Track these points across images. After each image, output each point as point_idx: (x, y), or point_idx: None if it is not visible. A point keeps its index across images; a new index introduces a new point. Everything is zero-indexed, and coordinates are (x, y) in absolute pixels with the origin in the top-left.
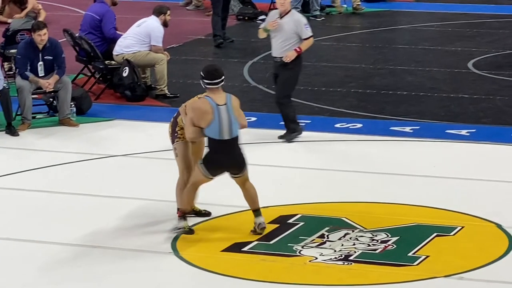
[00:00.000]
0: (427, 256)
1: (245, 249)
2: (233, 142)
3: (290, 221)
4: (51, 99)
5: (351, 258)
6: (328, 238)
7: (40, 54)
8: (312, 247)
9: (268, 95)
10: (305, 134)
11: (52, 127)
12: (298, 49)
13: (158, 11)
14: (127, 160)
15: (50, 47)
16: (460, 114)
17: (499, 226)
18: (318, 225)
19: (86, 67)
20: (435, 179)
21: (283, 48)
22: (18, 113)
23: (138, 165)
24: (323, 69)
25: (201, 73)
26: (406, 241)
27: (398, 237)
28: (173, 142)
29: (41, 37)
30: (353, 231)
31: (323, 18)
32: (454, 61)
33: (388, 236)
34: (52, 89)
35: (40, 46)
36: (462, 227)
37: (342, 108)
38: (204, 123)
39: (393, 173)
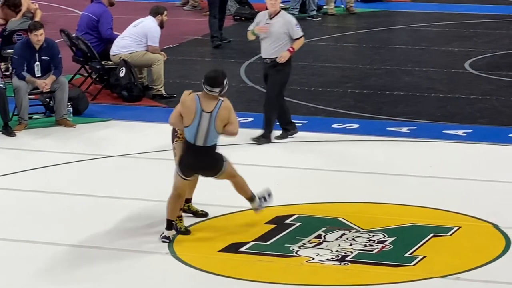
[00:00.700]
0: (424, 257)
1: (241, 249)
2: (206, 150)
3: (287, 221)
4: (47, 100)
5: (348, 258)
6: (325, 238)
7: (37, 55)
8: (309, 247)
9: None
10: (302, 135)
11: (49, 127)
12: (291, 49)
13: (155, 12)
14: (124, 161)
15: (47, 47)
16: (456, 115)
17: (496, 226)
18: (315, 225)
19: (83, 67)
20: (432, 179)
21: (273, 49)
22: (15, 113)
23: (135, 166)
24: (319, 69)
25: (204, 75)
26: (403, 242)
27: (395, 238)
28: (173, 141)
29: (38, 38)
30: (350, 231)
31: (319, 18)
32: (451, 61)
33: (385, 236)
34: (49, 90)
35: (37, 47)
36: (459, 227)
37: (339, 109)
38: (186, 122)
39: (389, 174)
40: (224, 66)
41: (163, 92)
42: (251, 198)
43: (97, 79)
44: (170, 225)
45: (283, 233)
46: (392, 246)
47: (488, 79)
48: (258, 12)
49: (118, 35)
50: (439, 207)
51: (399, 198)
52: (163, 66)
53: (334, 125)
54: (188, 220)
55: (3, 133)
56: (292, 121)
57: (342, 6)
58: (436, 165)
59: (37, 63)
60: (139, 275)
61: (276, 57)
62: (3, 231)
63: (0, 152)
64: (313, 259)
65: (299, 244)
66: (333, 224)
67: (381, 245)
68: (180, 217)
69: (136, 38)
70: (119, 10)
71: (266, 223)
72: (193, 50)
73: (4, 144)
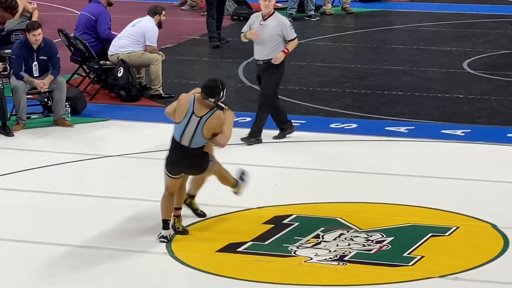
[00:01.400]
0: (422, 257)
1: (240, 249)
2: (190, 151)
3: (285, 221)
4: (45, 99)
5: (346, 258)
6: (323, 238)
7: (35, 54)
8: (307, 247)
9: None
10: (300, 134)
11: (47, 127)
12: (286, 50)
13: (153, 11)
14: (122, 161)
15: (45, 47)
16: (455, 114)
17: (494, 226)
18: (313, 225)
19: (81, 67)
20: (430, 179)
21: (267, 50)
22: (13, 113)
23: (133, 165)
24: (318, 69)
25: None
26: (401, 242)
27: (393, 238)
28: None
29: (36, 37)
30: (348, 231)
31: (318, 18)
32: (449, 61)
33: (383, 236)
34: (47, 89)
35: (35, 46)
36: (457, 227)
37: (337, 108)
38: (177, 119)
39: (388, 173)
40: (222, 66)
41: (161, 92)
42: (234, 185)
43: (95, 79)
44: (166, 224)
45: (281, 233)
46: (390, 246)
47: (487, 79)
48: (257, 12)
49: (116, 35)
50: (437, 207)
51: (397, 198)
52: (161, 66)
53: (333, 125)
54: (186, 220)
55: (1, 133)
56: (289, 120)
57: (340, 5)
58: (434, 165)
59: (35, 63)
60: (137, 275)
61: (270, 59)
62: (0, 230)
63: None
64: (311, 259)
65: (297, 244)
66: (331, 224)
67: (379, 245)
68: (179, 216)
69: (134, 38)
70: (117, 10)
71: (264, 223)
72: (191, 50)
73: (2, 144)
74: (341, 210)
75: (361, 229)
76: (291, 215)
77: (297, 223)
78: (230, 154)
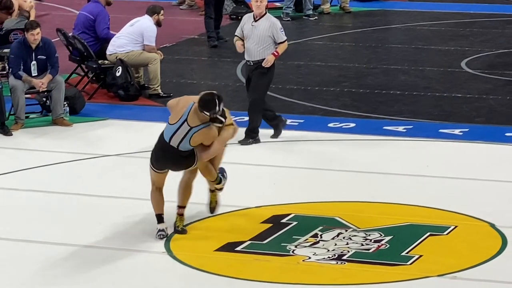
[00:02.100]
0: (420, 256)
1: (238, 248)
2: (178, 152)
3: (283, 220)
4: (44, 99)
5: (344, 257)
6: (321, 237)
7: (33, 54)
8: (306, 246)
9: None
10: (298, 134)
11: (45, 126)
12: (276, 53)
13: (151, 11)
14: (121, 160)
15: (43, 46)
16: (453, 114)
17: (492, 225)
18: (312, 224)
19: (79, 66)
20: (428, 179)
21: (257, 51)
22: (12, 112)
23: (131, 165)
24: (316, 68)
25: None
26: (399, 241)
27: (391, 237)
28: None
29: (34, 37)
30: (346, 230)
31: (316, 17)
32: (447, 61)
33: (381, 235)
34: (45, 89)
35: (33, 46)
36: (456, 226)
37: (335, 108)
38: (170, 120)
39: (386, 173)
40: (221, 66)
41: (160, 91)
42: (218, 180)
43: (94, 78)
44: (160, 218)
45: (280, 232)
46: (388, 245)
47: (485, 78)
48: None
49: (115, 35)
50: (435, 206)
51: (395, 197)
52: (160, 65)
53: (331, 124)
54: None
55: None
56: (278, 115)
57: (338, 5)
58: (432, 164)
59: (34, 62)
60: (135, 274)
61: (260, 60)
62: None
63: None
64: (309, 258)
65: (295, 243)
66: (330, 223)
67: (378, 244)
68: (181, 215)
69: (132, 37)
70: (116, 10)
71: (263, 222)
72: (189, 49)
73: (1, 144)
74: (339, 209)
75: (359, 228)
76: (290, 214)
77: (295, 222)
78: (228, 154)
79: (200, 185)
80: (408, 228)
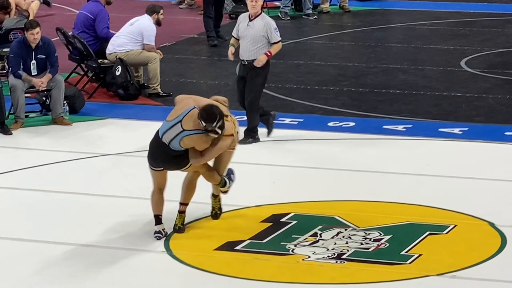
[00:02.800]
0: (420, 255)
1: (238, 247)
2: (168, 149)
3: (283, 219)
4: (44, 98)
5: (344, 256)
6: (321, 236)
7: (33, 53)
8: (305, 245)
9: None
10: (298, 133)
11: (45, 126)
12: (268, 53)
13: (151, 10)
14: (120, 159)
15: (43, 46)
16: (452, 113)
17: (491, 224)
18: (311, 223)
19: (79, 66)
20: (428, 178)
21: (251, 50)
22: (11, 112)
23: (131, 164)
24: (316, 67)
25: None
26: (398, 240)
27: (391, 236)
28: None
29: (34, 36)
30: (345, 229)
31: (315, 16)
32: (447, 60)
33: (380, 234)
34: (45, 88)
35: (33, 45)
36: (455, 225)
37: (335, 107)
38: (169, 116)
39: (385, 172)
40: (220, 65)
41: (159, 90)
42: (222, 183)
43: (93, 77)
44: (157, 220)
45: (279, 231)
46: (388, 244)
47: (484, 77)
48: None
49: (114, 34)
50: (435, 205)
51: (395, 196)
52: (159, 64)
53: (330, 124)
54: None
55: None
56: (265, 109)
57: (338, 4)
58: (432, 163)
59: (33, 61)
60: (134, 274)
61: (254, 59)
62: None
63: None
64: (309, 257)
65: (295, 242)
66: (329, 222)
67: (377, 243)
68: (182, 212)
69: (132, 36)
70: (116, 9)
71: (262, 221)
72: (189, 48)
73: (1, 143)
74: (339, 208)
75: (359, 227)
76: (289, 213)
77: (295, 222)
78: None
79: (200, 184)
80: (408, 227)
